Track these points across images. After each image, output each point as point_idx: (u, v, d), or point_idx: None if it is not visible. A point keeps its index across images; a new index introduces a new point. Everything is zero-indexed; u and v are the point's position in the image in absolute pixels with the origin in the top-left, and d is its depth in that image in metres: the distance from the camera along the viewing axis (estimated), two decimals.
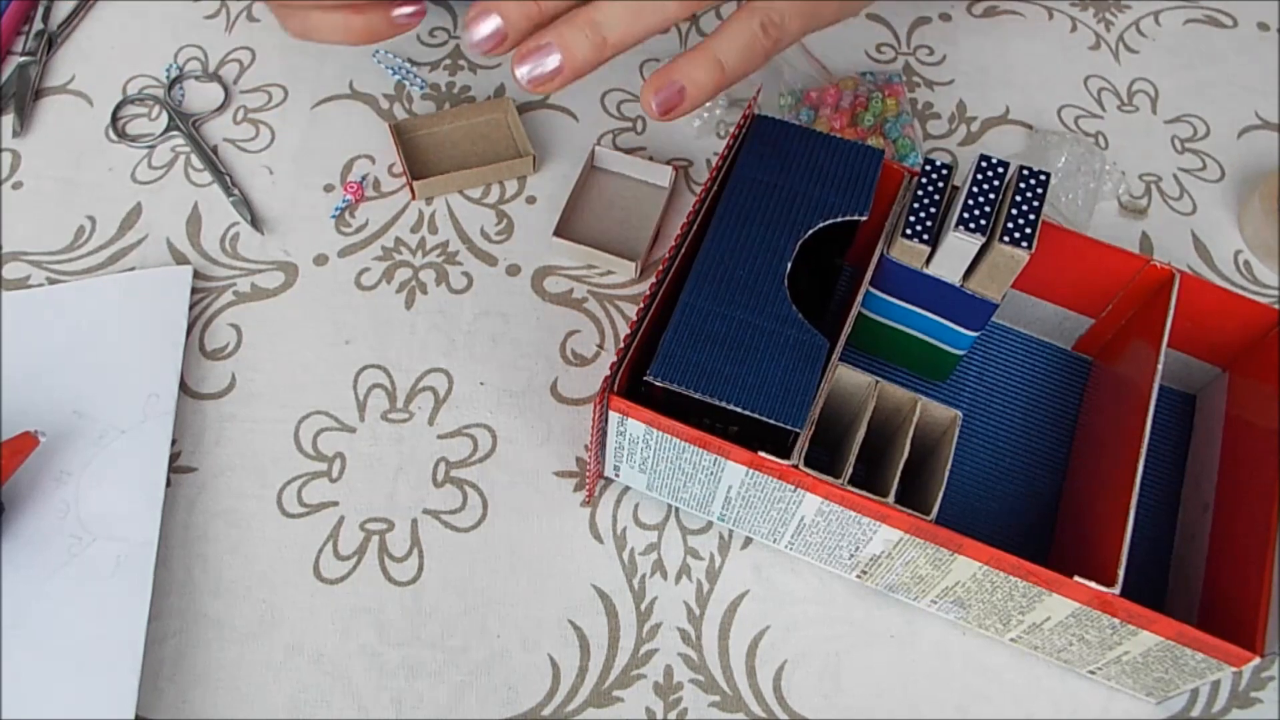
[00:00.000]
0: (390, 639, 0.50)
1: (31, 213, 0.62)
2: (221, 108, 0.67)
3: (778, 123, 0.52)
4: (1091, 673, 0.49)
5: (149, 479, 0.52)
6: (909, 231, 0.49)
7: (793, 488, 0.45)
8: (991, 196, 0.48)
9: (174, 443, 0.54)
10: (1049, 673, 0.50)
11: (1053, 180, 0.64)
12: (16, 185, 0.63)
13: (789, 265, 0.47)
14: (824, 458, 0.52)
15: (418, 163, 0.65)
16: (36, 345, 0.56)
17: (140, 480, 0.52)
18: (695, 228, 0.50)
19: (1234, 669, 0.43)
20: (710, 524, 0.53)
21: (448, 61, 0.70)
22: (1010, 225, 0.47)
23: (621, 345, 0.46)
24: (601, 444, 0.49)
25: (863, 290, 0.51)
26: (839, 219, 0.49)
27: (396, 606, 0.50)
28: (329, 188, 0.64)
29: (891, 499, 0.44)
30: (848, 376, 0.48)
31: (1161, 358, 0.48)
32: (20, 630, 0.48)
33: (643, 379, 0.45)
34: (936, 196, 0.50)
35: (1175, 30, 0.75)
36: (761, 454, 0.44)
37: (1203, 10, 0.76)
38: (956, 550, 0.44)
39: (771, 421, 0.44)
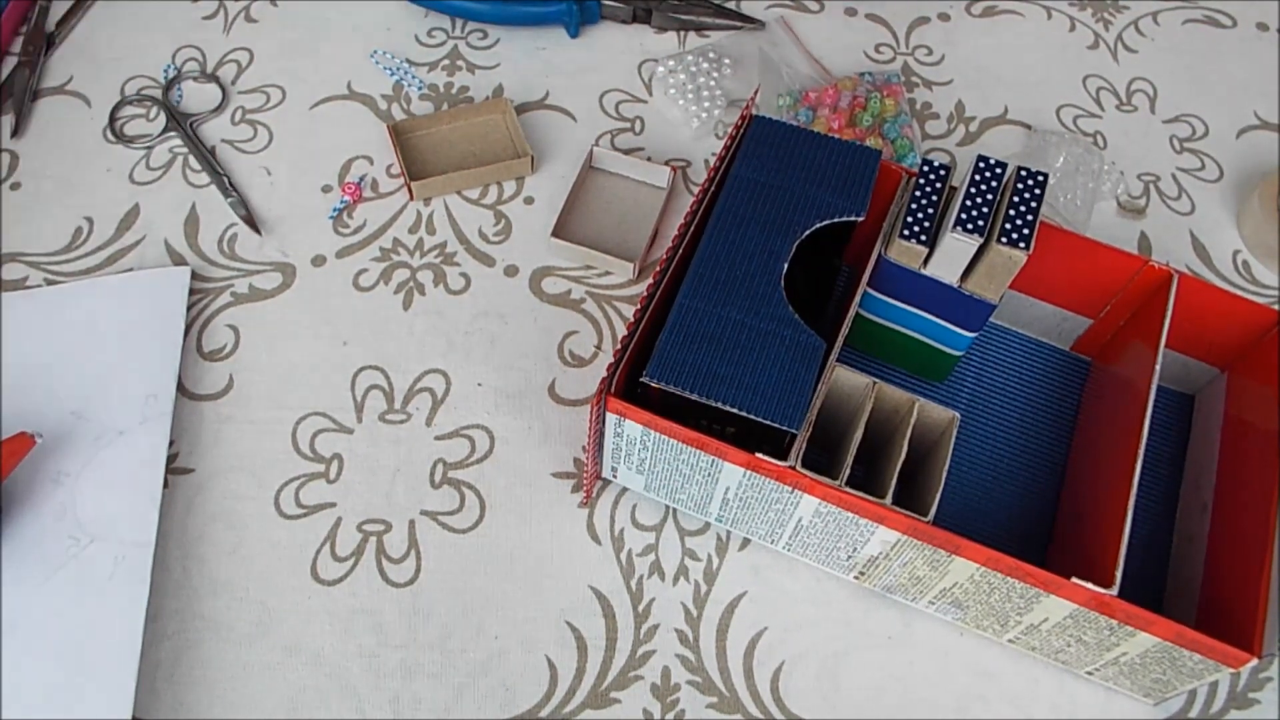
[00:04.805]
0: (388, 640, 0.50)
1: (29, 213, 0.62)
2: (219, 108, 0.67)
3: (776, 123, 0.52)
4: (1089, 674, 0.49)
5: (147, 480, 0.52)
6: (907, 232, 0.49)
7: (790, 489, 0.45)
8: (989, 197, 0.48)
9: (171, 444, 0.54)
10: (1047, 674, 0.50)
11: (1051, 180, 0.64)
12: (14, 186, 0.63)
13: (786, 266, 0.47)
14: (821, 459, 0.52)
15: (416, 163, 0.65)
16: (35, 346, 0.56)
17: (138, 481, 0.52)
18: (693, 228, 0.50)
19: (1232, 670, 0.43)
20: (708, 525, 0.53)
21: (446, 62, 0.70)
22: (1008, 226, 0.47)
23: (619, 346, 0.46)
24: (599, 445, 0.49)
25: (860, 291, 0.51)
26: (836, 220, 0.49)
27: (394, 608, 0.50)
28: (327, 188, 0.64)
29: (889, 500, 0.44)
30: (845, 377, 0.48)
31: (1160, 358, 0.48)
32: (18, 631, 0.48)
33: (640, 380, 0.45)
34: (934, 197, 0.50)
35: (1174, 30, 0.75)
36: (759, 455, 0.44)
37: (1202, 10, 0.76)
38: (954, 551, 0.44)
39: (768, 423, 0.43)
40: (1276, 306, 0.61)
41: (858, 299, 0.50)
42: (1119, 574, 0.42)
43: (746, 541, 0.53)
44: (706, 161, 0.66)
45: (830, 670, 0.50)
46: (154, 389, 0.55)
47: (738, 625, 0.51)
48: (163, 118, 0.67)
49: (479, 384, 0.57)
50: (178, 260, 0.60)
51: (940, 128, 0.68)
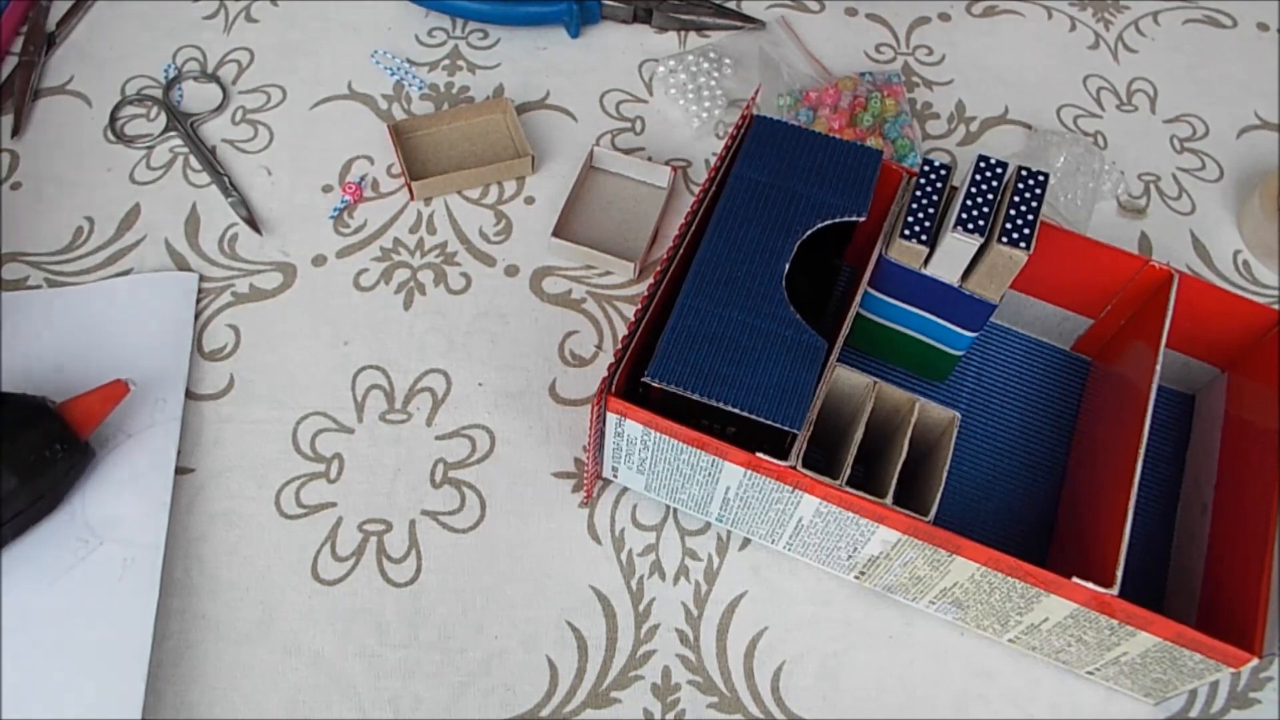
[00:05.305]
0: (388, 640, 0.50)
1: (30, 213, 0.62)
2: (220, 108, 0.67)
3: (776, 123, 0.52)
4: (1090, 673, 0.49)
5: (156, 483, 0.52)
6: (907, 232, 0.49)
7: (791, 488, 0.45)
8: (990, 197, 0.48)
9: None
10: (1047, 673, 0.50)
11: (1052, 180, 0.64)
12: (15, 186, 0.63)
13: (787, 266, 0.47)
14: (822, 458, 0.52)
15: (416, 163, 0.65)
16: (43, 347, 0.56)
17: (147, 484, 0.52)
18: (693, 228, 0.50)
19: (1233, 670, 0.43)
20: (708, 525, 0.53)
21: (446, 62, 0.70)
22: (1009, 225, 0.47)
23: (619, 346, 0.46)
24: (600, 445, 0.49)
25: (861, 291, 0.51)
26: (837, 219, 0.49)
27: (394, 607, 0.50)
28: (327, 188, 0.64)
29: (889, 500, 0.44)
30: (846, 377, 0.48)
31: (1160, 358, 0.48)
32: (27, 632, 0.48)
33: (640, 379, 0.45)
34: (935, 197, 0.50)
35: (1175, 30, 0.75)
36: (759, 455, 0.44)
37: (1202, 10, 0.76)
38: (954, 551, 0.44)
39: (769, 422, 0.43)
40: (1277, 306, 0.61)
41: (858, 299, 0.50)
42: (1119, 574, 0.42)
43: (747, 541, 0.53)
44: (707, 161, 0.66)
45: (831, 670, 0.50)
46: (163, 393, 0.55)
47: (738, 625, 0.51)
48: (163, 117, 0.67)
49: (480, 384, 0.57)
50: (178, 260, 0.60)
51: (941, 128, 0.68)
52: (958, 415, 0.47)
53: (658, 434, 0.46)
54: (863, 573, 0.50)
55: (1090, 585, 0.42)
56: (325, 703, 0.48)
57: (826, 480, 0.44)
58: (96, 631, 0.48)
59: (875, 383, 0.47)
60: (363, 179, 0.64)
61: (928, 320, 0.53)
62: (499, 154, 0.65)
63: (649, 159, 0.65)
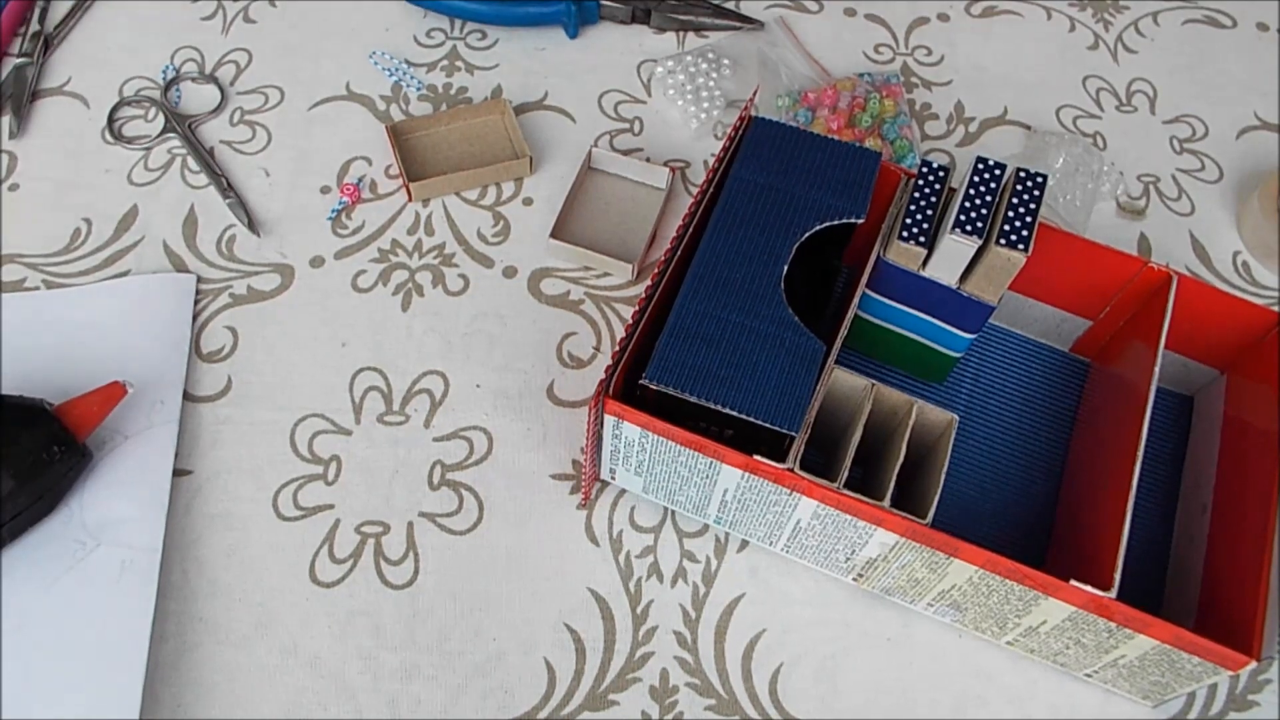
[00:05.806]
0: (386, 642, 0.50)
1: (28, 214, 0.62)
2: (218, 109, 0.67)
3: (775, 124, 0.52)
4: (1088, 676, 0.49)
5: (154, 485, 0.52)
6: (905, 233, 0.49)
7: (788, 491, 0.45)
8: (989, 198, 0.48)
9: None
10: (1045, 676, 0.50)
11: (1050, 181, 0.64)
12: (13, 187, 0.63)
13: (785, 268, 0.47)
14: (820, 460, 0.52)
15: (414, 164, 0.65)
16: (40, 349, 0.56)
17: (145, 487, 0.52)
18: (692, 230, 0.50)
19: (1231, 672, 0.43)
20: (706, 527, 0.53)
21: (444, 63, 0.70)
22: (1007, 227, 0.47)
23: (617, 348, 0.46)
24: (597, 447, 0.49)
25: (859, 292, 0.51)
26: (836, 221, 0.49)
27: (392, 610, 0.50)
28: (325, 189, 0.64)
29: (887, 502, 0.44)
30: (844, 379, 0.48)
31: (1159, 359, 0.48)
32: (26, 633, 0.48)
33: (638, 381, 0.45)
34: (933, 198, 0.49)
35: (1174, 30, 0.75)
36: (757, 457, 0.44)
37: (1202, 10, 0.76)
38: (953, 554, 0.44)
39: (767, 425, 0.43)
40: (1276, 308, 0.61)
41: (856, 300, 0.50)
42: (1118, 576, 0.42)
43: (745, 543, 0.53)
44: (705, 162, 0.66)
45: (829, 672, 0.49)
46: (161, 394, 0.55)
47: (736, 627, 0.50)
48: (161, 118, 0.66)
49: (477, 385, 0.57)
50: (176, 262, 0.60)
51: (939, 128, 0.68)
52: (956, 417, 0.47)
53: (655, 436, 0.46)
54: (861, 575, 0.50)
55: (1088, 588, 0.42)
56: (323, 705, 0.48)
57: (824, 483, 0.44)
58: (94, 633, 0.48)
59: (873, 385, 0.47)
60: (361, 180, 0.64)
61: (926, 322, 0.53)
62: (497, 155, 0.65)
63: (647, 160, 0.65)
